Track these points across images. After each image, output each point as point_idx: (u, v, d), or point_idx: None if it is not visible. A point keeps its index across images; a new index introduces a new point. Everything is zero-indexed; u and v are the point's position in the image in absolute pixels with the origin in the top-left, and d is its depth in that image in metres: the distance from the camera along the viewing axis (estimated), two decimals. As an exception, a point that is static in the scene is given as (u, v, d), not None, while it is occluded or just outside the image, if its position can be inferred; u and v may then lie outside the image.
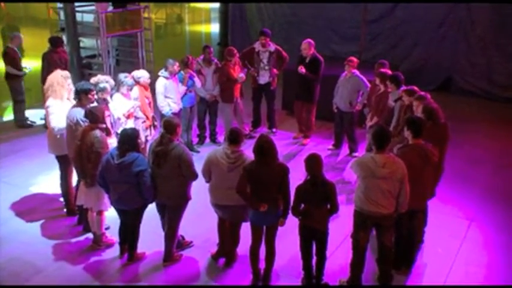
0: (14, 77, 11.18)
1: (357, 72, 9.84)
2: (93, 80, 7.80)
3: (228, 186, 6.35)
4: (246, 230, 6.67)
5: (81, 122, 7.01)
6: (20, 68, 11.15)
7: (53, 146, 7.76)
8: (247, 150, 6.51)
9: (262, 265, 6.56)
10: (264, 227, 6.40)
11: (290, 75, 11.25)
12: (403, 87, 8.27)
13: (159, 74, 9.46)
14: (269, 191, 6.18)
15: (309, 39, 10.34)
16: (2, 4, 14.79)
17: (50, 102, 7.62)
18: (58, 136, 7.51)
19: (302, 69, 10.11)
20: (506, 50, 13.78)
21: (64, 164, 7.74)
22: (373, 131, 6.29)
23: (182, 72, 9.71)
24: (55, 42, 11.08)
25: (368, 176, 5.97)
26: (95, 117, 6.81)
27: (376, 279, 6.55)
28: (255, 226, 6.41)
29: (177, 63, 9.43)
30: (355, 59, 9.89)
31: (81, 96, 7.23)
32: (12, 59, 11.05)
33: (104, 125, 6.94)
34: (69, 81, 7.76)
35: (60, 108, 7.48)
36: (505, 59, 13.85)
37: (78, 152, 6.85)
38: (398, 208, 6.10)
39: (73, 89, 7.55)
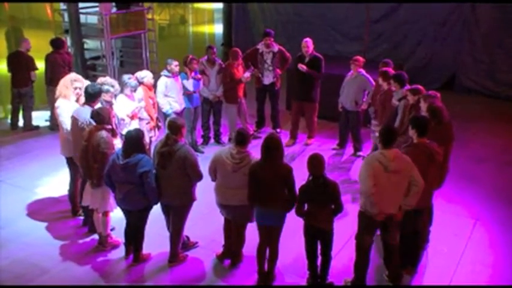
0: (31, 83, 11.26)
1: (363, 72, 9.83)
2: (100, 80, 7.80)
3: (233, 186, 6.37)
4: (250, 231, 6.69)
5: (94, 123, 7.02)
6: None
7: (64, 147, 7.77)
8: (252, 150, 6.51)
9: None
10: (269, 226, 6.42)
11: (292, 75, 11.22)
12: (407, 87, 8.27)
13: (161, 73, 9.50)
14: (273, 191, 6.19)
15: (308, 38, 10.34)
16: (6, 5, 14.79)
17: (58, 103, 7.64)
18: (69, 137, 7.52)
19: (303, 67, 10.08)
20: (510, 48, 13.74)
21: (74, 165, 7.74)
22: (380, 128, 6.28)
23: (184, 72, 9.75)
24: (57, 44, 11.10)
25: (380, 172, 5.89)
26: (102, 118, 6.82)
27: (386, 278, 6.55)
28: (260, 226, 6.44)
29: (176, 63, 9.44)
30: (361, 58, 9.88)
31: (97, 98, 7.29)
32: (34, 64, 11.13)
33: (110, 126, 6.95)
34: (77, 84, 7.72)
35: (66, 108, 7.49)
36: (509, 57, 13.82)
37: (85, 152, 6.86)
38: (405, 202, 6.04)
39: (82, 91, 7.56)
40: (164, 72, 9.46)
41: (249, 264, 6.85)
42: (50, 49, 11.21)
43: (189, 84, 9.74)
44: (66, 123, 7.42)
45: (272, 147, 6.15)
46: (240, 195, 6.35)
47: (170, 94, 9.43)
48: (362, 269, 6.37)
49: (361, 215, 6.25)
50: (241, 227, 6.74)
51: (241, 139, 6.38)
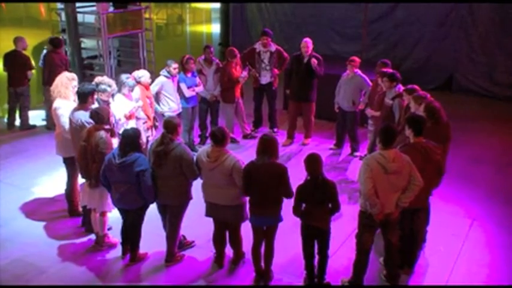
0: (28, 83, 11.22)
1: (359, 72, 9.83)
2: (97, 79, 7.79)
3: (213, 184, 6.42)
4: (246, 230, 6.69)
5: (86, 124, 7.01)
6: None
7: (61, 147, 7.76)
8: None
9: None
10: (264, 227, 6.44)
11: (290, 75, 11.22)
12: (400, 86, 8.34)
13: (161, 72, 9.53)
14: (269, 191, 6.20)
15: (308, 38, 10.32)
16: (3, 5, 14.74)
17: (57, 103, 7.62)
18: (67, 137, 7.50)
19: (314, 61, 9.99)
20: (508, 48, 13.75)
21: (71, 165, 7.74)
22: (380, 128, 6.28)
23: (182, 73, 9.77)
24: (57, 43, 11.06)
25: (379, 173, 5.90)
26: (101, 118, 6.81)
27: (384, 277, 6.57)
28: (255, 226, 6.45)
29: (176, 65, 9.43)
30: (357, 59, 9.88)
31: (88, 98, 7.24)
32: (30, 63, 11.10)
33: (108, 126, 6.95)
34: (75, 83, 7.75)
35: (68, 108, 7.47)
36: (507, 57, 13.82)
37: (83, 152, 6.85)
38: (401, 199, 6.02)
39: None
40: (164, 72, 9.47)
41: (246, 264, 6.86)
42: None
43: (185, 89, 9.74)
44: (68, 123, 7.42)
45: (267, 148, 6.16)
46: (222, 195, 6.38)
47: (167, 94, 9.43)
48: (361, 268, 6.38)
49: (361, 214, 6.25)
50: (235, 227, 6.72)
51: (216, 138, 6.36)
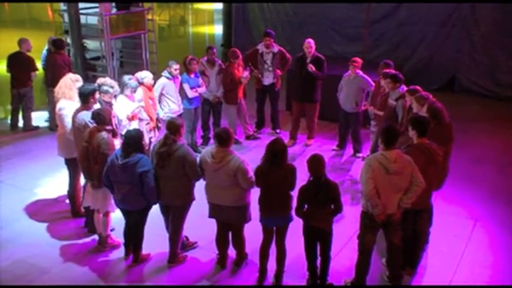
0: (31, 84, 11.23)
1: (361, 73, 9.82)
2: (99, 80, 7.81)
3: (217, 185, 6.41)
4: (249, 231, 6.69)
5: (89, 124, 7.02)
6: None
7: (62, 148, 7.79)
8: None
9: (268, 264, 6.59)
10: (274, 227, 6.44)
11: (293, 76, 11.24)
12: (403, 87, 8.33)
13: (162, 74, 9.53)
14: (281, 194, 6.22)
15: (310, 39, 10.32)
16: (6, 6, 14.80)
17: (61, 104, 7.65)
18: (69, 138, 7.52)
19: (312, 67, 10.04)
20: (510, 48, 13.74)
21: (73, 166, 7.75)
22: (381, 128, 6.28)
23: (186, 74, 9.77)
24: (59, 44, 11.07)
25: (381, 173, 5.90)
26: (102, 119, 6.82)
27: (386, 278, 6.56)
28: (266, 227, 6.46)
29: (176, 66, 9.44)
30: (359, 60, 9.87)
31: (89, 98, 7.25)
32: (34, 64, 11.12)
33: (110, 127, 6.96)
34: (79, 84, 7.76)
35: (72, 109, 7.48)
36: (509, 57, 13.83)
37: (85, 153, 6.87)
38: (403, 200, 6.01)
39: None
40: (165, 73, 9.49)
41: (249, 264, 6.87)
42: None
43: (188, 90, 9.75)
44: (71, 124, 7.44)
45: (279, 152, 6.16)
46: (226, 195, 6.38)
47: (168, 96, 9.44)
48: (363, 269, 6.38)
49: (363, 215, 6.25)
50: (238, 228, 6.72)
51: (221, 139, 6.35)
